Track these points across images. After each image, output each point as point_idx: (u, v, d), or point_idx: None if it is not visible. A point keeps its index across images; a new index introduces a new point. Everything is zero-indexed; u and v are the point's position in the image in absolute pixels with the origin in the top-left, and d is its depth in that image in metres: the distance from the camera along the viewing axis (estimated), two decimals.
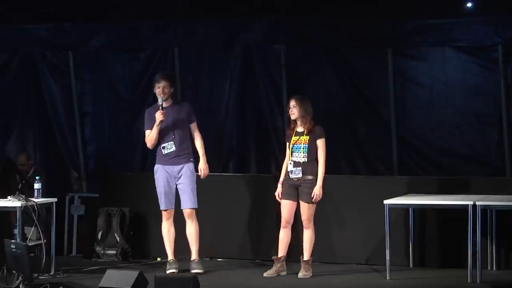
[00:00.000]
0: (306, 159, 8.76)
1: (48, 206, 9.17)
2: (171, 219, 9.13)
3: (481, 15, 10.05)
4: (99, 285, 7.80)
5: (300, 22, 10.57)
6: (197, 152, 9.15)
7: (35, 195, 9.06)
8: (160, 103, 8.99)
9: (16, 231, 9.26)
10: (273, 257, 8.98)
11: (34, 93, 11.26)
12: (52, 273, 8.92)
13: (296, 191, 8.82)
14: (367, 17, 10.21)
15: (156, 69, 11.01)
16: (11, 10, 10.64)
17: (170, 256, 9.14)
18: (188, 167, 9.07)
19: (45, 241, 8.93)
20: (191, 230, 9.10)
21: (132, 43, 11.06)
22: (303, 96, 8.94)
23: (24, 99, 11.27)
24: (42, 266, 8.55)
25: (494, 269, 9.13)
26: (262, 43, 10.74)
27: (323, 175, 8.75)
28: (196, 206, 9.07)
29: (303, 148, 8.78)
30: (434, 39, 10.22)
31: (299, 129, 8.86)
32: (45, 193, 9.18)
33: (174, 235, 9.15)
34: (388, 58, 10.39)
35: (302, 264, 8.78)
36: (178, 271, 8.98)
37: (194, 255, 9.12)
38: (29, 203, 8.74)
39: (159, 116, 8.93)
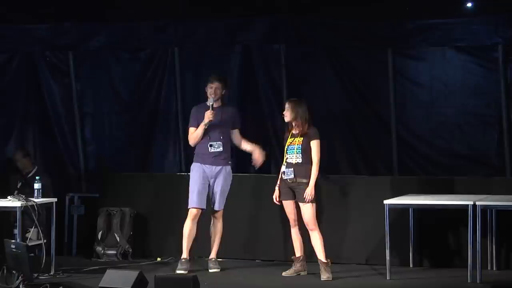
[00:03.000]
0: (299, 160, 8.79)
1: (48, 206, 9.17)
2: (196, 219, 9.16)
3: (481, 15, 10.03)
4: (99, 285, 7.80)
5: (300, 22, 10.56)
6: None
7: (35, 195, 9.06)
8: (210, 103, 9.10)
9: (16, 231, 9.27)
10: (292, 257, 9.01)
11: (34, 93, 11.25)
12: (52, 273, 8.92)
13: (292, 192, 8.85)
14: (367, 17, 10.20)
15: (156, 69, 11.02)
16: (11, 10, 10.63)
17: (184, 255, 9.15)
18: (226, 169, 9.22)
19: (45, 241, 8.93)
20: (216, 229, 9.27)
21: (132, 43, 11.05)
22: (298, 99, 8.96)
23: (24, 99, 11.26)
24: (42, 266, 8.55)
25: (494, 269, 9.13)
26: (262, 43, 10.73)
27: (316, 176, 8.75)
28: (222, 208, 9.25)
29: (297, 149, 8.81)
30: (434, 39, 10.21)
31: (294, 131, 8.89)
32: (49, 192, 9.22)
33: (194, 236, 9.18)
34: (388, 58, 10.37)
35: (323, 266, 8.72)
36: (188, 271, 8.99)
37: (212, 254, 9.28)
38: (29, 203, 8.74)
39: (209, 115, 9.05)
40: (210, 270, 9.18)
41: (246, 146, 9.34)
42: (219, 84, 9.18)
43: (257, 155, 9.23)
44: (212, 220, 9.28)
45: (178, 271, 9.01)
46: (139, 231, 10.32)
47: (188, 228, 9.15)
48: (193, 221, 9.15)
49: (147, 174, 10.79)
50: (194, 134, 9.19)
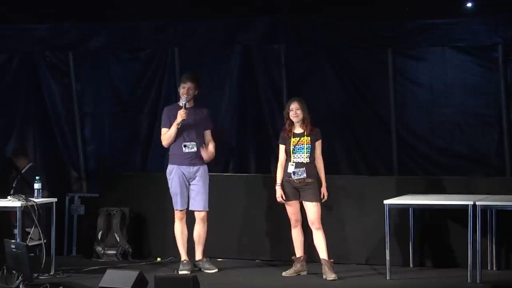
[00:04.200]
0: (308, 159, 8.81)
1: (48, 206, 9.17)
2: (184, 219, 9.20)
3: (481, 15, 10.04)
4: (99, 285, 7.80)
5: (300, 22, 10.57)
6: None
7: (35, 195, 9.06)
8: (184, 102, 9.05)
9: (16, 231, 9.27)
10: (292, 257, 9.01)
11: (34, 93, 11.25)
12: (52, 273, 8.93)
13: (298, 192, 8.85)
14: (367, 17, 10.20)
15: (156, 69, 11.02)
16: (11, 10, 10.63)
17: (184, 257, 9.19)
18: (204, 168, 9.20)
19: (45, 241, 8.93)
20: (201, 231, 9.23)
21: (132, 43, 11.05)
22: (302, 98, 8.97)
23: (24, 99, 11.26)
24: (42, 266, 8.56)
25: (494, 269, 9.13)
26: (262, 43, 10.73)
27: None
28: (207, 208, 9.21)
29: (307, 149, 8.81)
30: (434, 39, 10.22)
31: (298, 130, 8.88)
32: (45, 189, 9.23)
33: (187, 236, 9.21)
34: (388, 58, 10.38)
35: (327, 265, 8.72)
36: (191, 272, 8.99)
37: (201, 255, 9.24)
38: (29, 203, 8.74)
39: (182, 114, 9.01)
40: (207, 271, 9.13)
41: (209, 152, 9.25)
42: (191, 85, 9.12)
43: (204, 153, 9.16)
44: (196, 222, 9.22)
45: (181, 272, 9.01)
46: (139, 231, 10.32)
47: (180, 230, 9.19)
48: (182, 221, 9.20)
49: (147, 174, 10.79)
50: (167, 135, 9.15)
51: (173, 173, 9.18)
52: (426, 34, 10.23)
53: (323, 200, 8.81)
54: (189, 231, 9.26)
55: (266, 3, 10.43)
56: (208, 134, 9.30)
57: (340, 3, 10.17)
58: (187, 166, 9.14)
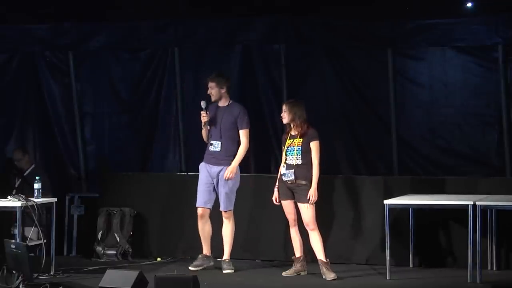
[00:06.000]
0: (299, 161, 8.79)
1: (48, 206, 9.17)
2: (205, 218, 9.23)
3: (481, 15, 10.04)
4: (99, 285, 7.80)
5: (300, 22, 10.57)
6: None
7: (35, 195, 9.06)
8: (203, 105, 9.13)
9: (16, 231, 9.27)
10: (292, 257, 9.01)
11: (34, 93, 11.26)
12: (52, 273, 8.92)
13: (291, 192, 8.86)
14: (367, 17, 10.20)
15: (156, 69, 11.03)
16: (11, 10, 10.64)
17: (204, 251, 9.27)
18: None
19: (45, 241, 8.93)
20: (225, 230, 9.27)
21: (132, 43, 11.06)
22: (295, 100, 8.98)
23: (24, 99, 11.27)
24: (42, 266, 8.55)
25: (494, 269, 9.14)
26: (262, 43, 10.74)
27: (318, 177, 8.76)
28: (228, 209, 9.20)
29: (296, 150, 8.80)
30: (434, 39, 10.22)
31: (293, 132, 8.89)
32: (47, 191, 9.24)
33: (210, 233, 9.26)
34: (388, 58, 10.38)
35: (325, 266, 8.72)
36: (198, 270, 9.02)
37: (225, 255, 9.27)
38: (29, 203, 8.74)
39: (202, 117, 9.11)
40: (223, 271, 9.18)
41: (238, 152, 9.23)
42: (211, 84, 9.19)
43: (227, 169, 9.17)
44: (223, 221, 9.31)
45: (190, 268, 9.09)
46: (139, 231, 10.31)
47: (200, 228, 9.27)
48: (201, 220, 9.23)
49: (147, 174, 10.79)
50: (202, 134, 9.26)
51: (201, 170, 9.26)
52: (426, 34, 10.24)
53: (309, 202, 8.75)
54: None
55: (266, 3, 10.44)
56: (240, 134, 9.22)
57: (340, 3, 10.17)
58: (212, 165, 9.18)
